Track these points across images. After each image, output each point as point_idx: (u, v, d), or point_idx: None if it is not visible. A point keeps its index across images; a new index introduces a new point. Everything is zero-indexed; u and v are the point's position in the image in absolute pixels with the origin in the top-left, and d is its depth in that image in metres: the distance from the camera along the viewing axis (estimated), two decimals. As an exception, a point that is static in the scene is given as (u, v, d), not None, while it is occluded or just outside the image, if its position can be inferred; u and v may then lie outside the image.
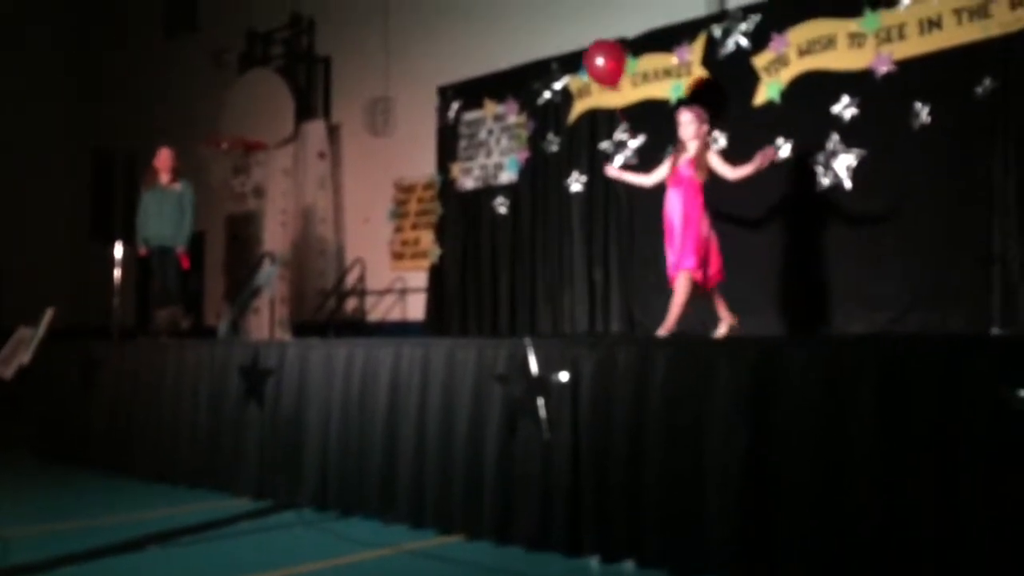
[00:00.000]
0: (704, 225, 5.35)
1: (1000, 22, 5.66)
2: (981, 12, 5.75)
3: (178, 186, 8.12)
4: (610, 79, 6.76)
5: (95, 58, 14.40)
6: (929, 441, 3.33)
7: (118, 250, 9.01)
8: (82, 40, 14.60)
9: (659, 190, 7.11)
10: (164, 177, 8.12)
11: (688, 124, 5.43)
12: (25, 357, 7.43)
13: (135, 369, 7.08)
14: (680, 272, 5.29)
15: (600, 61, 6.66)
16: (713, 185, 6.88)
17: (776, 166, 6.57)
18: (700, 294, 5.37)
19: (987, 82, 5.69)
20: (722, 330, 5.42)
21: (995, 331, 5.23)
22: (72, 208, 12.89)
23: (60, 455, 7.54)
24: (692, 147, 5.44)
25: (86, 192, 9.60)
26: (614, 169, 6.07)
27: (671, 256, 5.40)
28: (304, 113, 10.86)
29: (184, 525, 5.03)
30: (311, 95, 11.07)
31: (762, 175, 6.60)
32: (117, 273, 9.05)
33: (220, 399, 6.27)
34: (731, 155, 6.83)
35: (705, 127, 5.47)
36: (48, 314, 7.56)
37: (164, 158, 8.14)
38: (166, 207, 8.06)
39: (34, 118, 13.79)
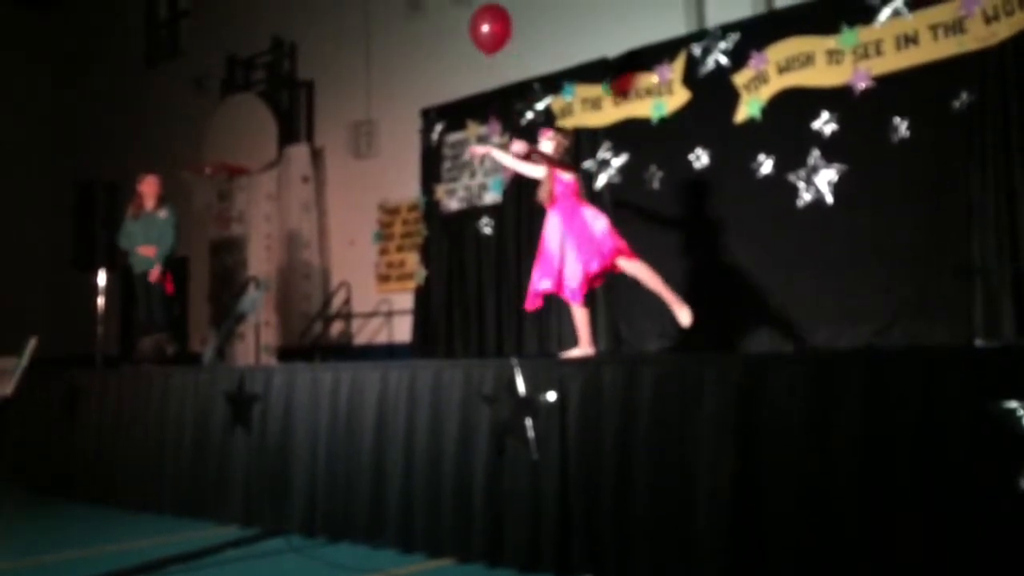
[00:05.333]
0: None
1: (976, 37, 5.73)
2: (957, 27, 5.82)
3: (163, 212, 8.10)
4: (494, 44, 6.57)
5: (76, 85, 14.37)
6: (914, 454, 3.34)
7: (101, 278, 8.97)
8: (62, 68, 14.58)
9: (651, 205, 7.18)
10: (149, 203, 8.10)
11: (546, 142, 5.54)
12: (7, 388, 7.34)
13: (119, 397, 7.02)
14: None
15: (485, 28, 6.51)
16: (701, 203, 6.96)
17: (759, 182, 6.66)
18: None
19: (964, 96, 5.76)
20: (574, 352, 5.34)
21: (978, 343, 5.25)
22: (54, 237, 12.83)
23: (43, 486, 7.45)
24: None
25: (68, 221, 9.57)
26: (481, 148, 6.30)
27: (579, 273, 5.26)
28: (287, 137, 10.86)
29: (171, 554, 4.96)
30: (294, 119, 11.07)
31: (745, 192, 6.70)
32: (100, 301, 9.01)
33: (206, 426, 6.23)
34: (714, 172, 6.94)
35: (557, 148, 5.48)
36: (31, 344, 7.49)
37: (150, 184, 8.12)
38: (152, 233, 8.02)
39: (14, 147, 13.75)
